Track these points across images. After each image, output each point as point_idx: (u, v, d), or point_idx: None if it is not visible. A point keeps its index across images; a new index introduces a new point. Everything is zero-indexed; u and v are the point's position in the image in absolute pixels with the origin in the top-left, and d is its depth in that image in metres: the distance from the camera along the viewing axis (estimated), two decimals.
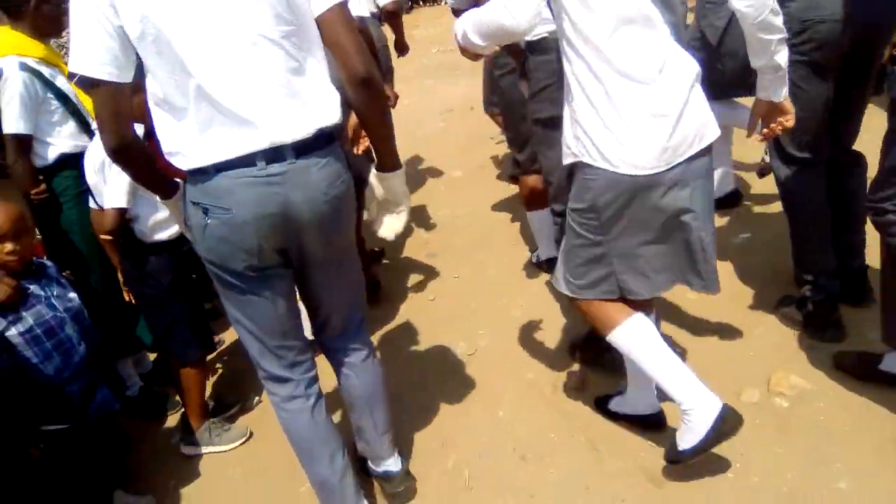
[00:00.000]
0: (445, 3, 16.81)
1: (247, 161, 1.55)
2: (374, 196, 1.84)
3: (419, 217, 4.30)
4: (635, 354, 1.96)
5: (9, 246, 2.01)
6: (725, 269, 2.95)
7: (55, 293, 2.13)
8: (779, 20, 1.71)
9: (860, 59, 2.25)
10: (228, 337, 3.29)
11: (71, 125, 2.66)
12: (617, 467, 2.11)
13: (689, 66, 1.75)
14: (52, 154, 2.64)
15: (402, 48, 4.25)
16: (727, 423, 1.85)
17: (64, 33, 2.88)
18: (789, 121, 1.92)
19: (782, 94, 1.88)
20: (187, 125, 1.55)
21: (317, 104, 1.60)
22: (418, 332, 3.08)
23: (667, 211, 1.80)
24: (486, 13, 1.71)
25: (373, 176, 1.81)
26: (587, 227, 1.87)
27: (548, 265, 3.26)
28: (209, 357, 2.81)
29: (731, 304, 2.72)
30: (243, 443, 2.62)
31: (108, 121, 1.55)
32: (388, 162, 1.76)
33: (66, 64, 2.65)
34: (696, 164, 1.78)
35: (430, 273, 3.60)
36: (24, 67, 2.53)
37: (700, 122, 1.75)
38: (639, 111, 1.70)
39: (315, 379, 1.96)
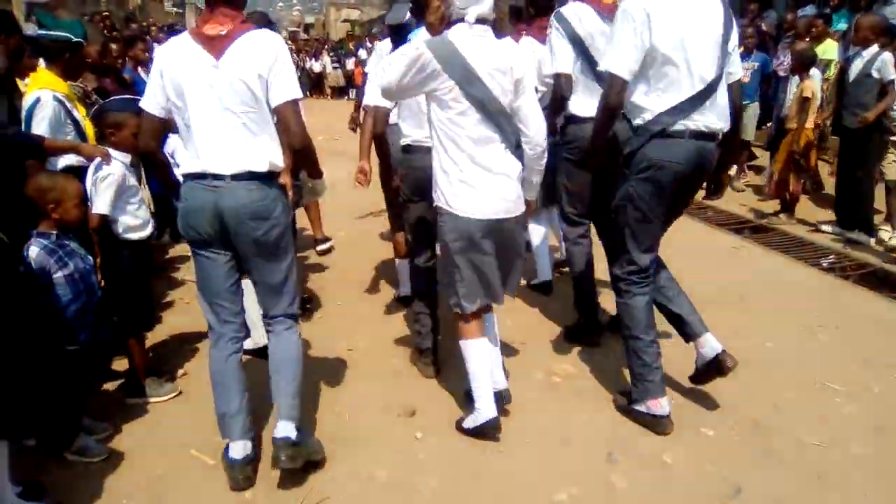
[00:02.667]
0: (328, 97, 18.22)
1: (203, 176, 2.63)
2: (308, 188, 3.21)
3: (312, 267, 5.42)
4: (473, 363, 3.01)
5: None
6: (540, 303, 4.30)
7: (82, 253, 3.05)
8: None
9: (682, 196, 3.12)
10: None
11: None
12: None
13: (515, 166, 2.89)
14: (60, 163, 3.55)
15: None
16: (489, 428, 3.00)
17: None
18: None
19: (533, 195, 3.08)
20: (187, 151, 2.69)
21: (253, 156, 2.63)
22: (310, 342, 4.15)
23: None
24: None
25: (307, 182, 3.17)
26: None
27: (404, 300, 4.50)
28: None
29: (539, 325, 4.05)
30: (173, 397, 3.49)
31: (146, 135, 2.71)
32: (317, 174, 3.02)
33: (79, 101, 3.68)
34: (507, 224, 2.90)
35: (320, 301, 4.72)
36: (55, 98, 3.49)
37: (513, 201, 2.90)
38: (492, 187, 2.84)
39: (238, 339, 2.87)
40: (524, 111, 2.87)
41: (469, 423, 3.07)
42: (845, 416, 3.22)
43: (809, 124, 6.05)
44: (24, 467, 2.75)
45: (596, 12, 3.57)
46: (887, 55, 5.45)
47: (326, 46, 25.04)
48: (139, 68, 6.22)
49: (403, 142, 3.53)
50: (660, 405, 3.06)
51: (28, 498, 2.64)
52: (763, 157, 8.10)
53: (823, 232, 6.05)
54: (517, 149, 2.91)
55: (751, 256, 5.64)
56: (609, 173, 3.17)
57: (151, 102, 2.64)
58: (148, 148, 2.74)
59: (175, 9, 48.68)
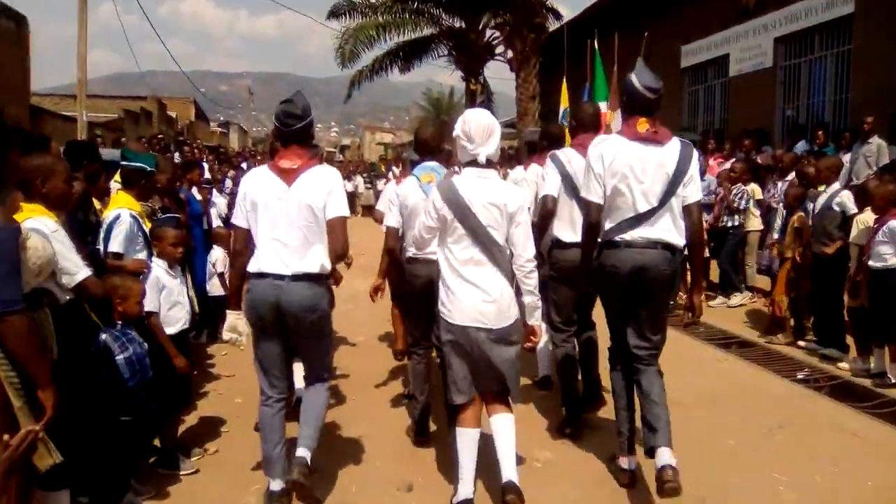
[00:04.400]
0: (359, 215, 19.19)
1: (267, 275, 3.43)
2: None
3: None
4: (459, 448, 3.50)
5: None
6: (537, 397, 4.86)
7: (140, 340, 3.72)
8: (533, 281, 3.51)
9: (636, 292, 3.62)
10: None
11: (144, 253, 4.35)
12: None
13: (501, 286, 3.42)
14: None
15: None
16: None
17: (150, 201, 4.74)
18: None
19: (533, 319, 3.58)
20: (256, 254, 3.49)
21: (309, 261, 3.44)
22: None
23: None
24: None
25: None
26: None
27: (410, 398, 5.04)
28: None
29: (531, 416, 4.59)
30: (191, 473, 4.02)
31: (238, 241, 3.66)
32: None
33: (147, 217, 4.47)
34: (496, 331, 3.43)
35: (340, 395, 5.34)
36: (131, 216, 4.29)
37: (501, 313, 3.41)
38: (471, 300, 3.40)
39: (282, 400, 3.65)
40: (515, 238, 3.46)
41: (454, 499, 3.55)
42: (783, 501, 3.69)
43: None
44: None
45: (581, 156, 4.29)
46: (846, 192, 6.17)
47: (360, 168, 26.62)
48: (193, 188, 7.15)
49: (407, 255, 4.28)
50: (626, 462, 3.81)
51: None
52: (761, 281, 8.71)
53: (801, 348, 6.55)
54: (507, 273, 3.46)
55: (731, 368, 6.16)
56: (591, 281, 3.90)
57: (239, 218, 3.57)
58: (239, 248, 3.69)
59: (220, 129, 51.92)
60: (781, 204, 7.38)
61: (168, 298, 4.08)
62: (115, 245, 4.23)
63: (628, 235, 3.56)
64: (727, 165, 9.91)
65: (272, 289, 3.39)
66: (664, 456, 3.41)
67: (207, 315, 6.97)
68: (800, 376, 5.84)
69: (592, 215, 3.66)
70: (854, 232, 5.90)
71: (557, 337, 4.65)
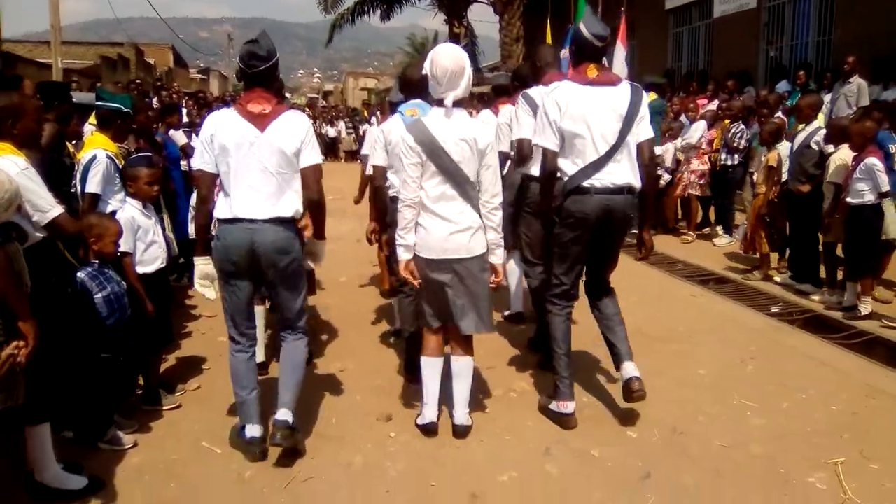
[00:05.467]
0: (342, 160, 19.16)
1: (240, 220, 3.34)
2: (310, 249, 3.69)
3: (317, 305, 6.12)
4: (424, 375, 3.73)
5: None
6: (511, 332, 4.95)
7: (118, 279, 3.74)
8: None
9: (601, 235, 3.75)
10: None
11: (122, 194, 4.33)
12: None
13: (474, 217, 3.50)
14: (107, 209, 4.28)
15: None
16: (426, 430, 3.69)
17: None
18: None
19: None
20: (226, 197, 3.39)
21: (283, 206, 3.37)
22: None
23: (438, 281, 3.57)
24: None
25: (309, 241, 3.68)
26: None
27: (396, 333, 5.16)
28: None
29: (507, 350, 4.69)
30: (173, 408, 4.08)
31: (204, 186, 3.46)
32: (319, 234, 3.64)
33: (123, 158, 4.42)
34: (465, 262, 3.53)
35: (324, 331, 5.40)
36: (107, 157, 4.25)
37: (469, 244, 3.49)
38: (441, 232, 3.48)
39: (252, 346, 3.62)
40: (483, 178, 3.51)
41: (418, 420, 3.80)
42: (753, 426, 3.81)
43: (774, 190, 6.74)
44: (64, 453, 3.36)
45: None
46: (825, 131, 6.19)
47: (343, 113, 26.33)
48: (171, 131, 7.08)
49: (391, 193, 4.27)
50: (565, 406, 3.80)
51: (70, 472, 3.26)
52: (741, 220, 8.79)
53: (777, 283, 6.67)
54: (478, 208, 3.53)
55: (706, 303, 6.28)
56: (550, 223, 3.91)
57: (206, 162, 3.40)
58: (205, 193, 3.50)
59: (200, 75, 51.02)
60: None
61: (144, 238, 4.07)
62: (93, 186, 4.20)
63: (596, 181, 3.63)
64: (712, 107, 9.93)
65: (245, 232, 3.33)
66: (629, 369, 3.77)
67: (189, 258, 6.99)
68: (774, 311, 5.95)
69: (549, 162, 3.70)
70: (830, 169, 5.94)
71: (531, 271, 4.73)
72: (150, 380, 4.17)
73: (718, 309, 6.10)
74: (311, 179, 3.43)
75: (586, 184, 3.63)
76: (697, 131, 8.80)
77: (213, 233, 3.58)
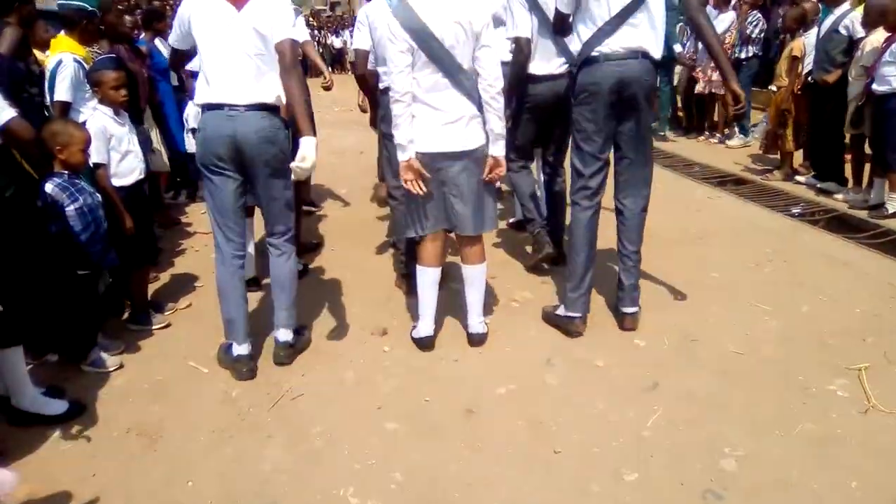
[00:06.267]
0: (348, 71, 18.51)
1: (220, 107, 3.12)
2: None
3: (317, 218, 5.90)
4: (419, 286, 3.51)
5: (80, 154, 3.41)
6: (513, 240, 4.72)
7: (91, 190, 3.51)
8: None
9: (620, 110, 3.36)
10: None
11: (94, 101, 4.06)
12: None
13: (468, 107, 3.21)
14: (79, 118, 4.01)
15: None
16: (422, 344, 3.53)
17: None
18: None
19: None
20: (205, 82, 3.16)
21: (263, 90, 3.14)
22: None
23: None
24: None
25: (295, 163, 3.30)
26: None
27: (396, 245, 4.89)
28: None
29: (509, 259, 4.47)
30: (163, 327, 3.91)
31: (174, 62, 3.64)
32: (305, 130, 3.10)
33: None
34: (465, 155, 3.25)
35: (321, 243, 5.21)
36: (75, 60, 3.95)
37: (465, 136, 3.23)
38: (434, 124, 3.20)
39: (240, 257, 3.38)
40: (482, 61, 3.20)
41: (413, 333, 3.63)
42: (766, 329, 3.60)
43: (797, 82, 6.29)
44: (47, 377, 3.26)
45: None
46: (856, 13, 5.68)
47: (349, 23, 25.42)
48: (157, 40, 6.67)
49: (382, 85, 3.94)
50: (575, 312, 3.58)
51: (50, 396, 3.13)
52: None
53: (798, 182, 6.33)
54: (474, 98, 3.23)
55: (722, 205, 5.98)
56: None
57: (177, 40, 3.30)
58: (176, 70, 3.77)
59: None
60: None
61: (118, 148, 3.81)
62: (61, 93, 3.93)
63: (606, 47, 3.26)
64: None
65: (227, 121, 3.11)
66: (628, 305, 3.63)
67: (185, 173, 6.76)
68: (795, 211, 5.65)
69: (523, 52, 3.51)
70: (863, 52, 5.47)
71: (513, 165, 4.34)
72: (136, 298, 4.00)
73: (735, 210, 5.80)
74: (285, 50, 3.10)
75: (595, 52, 3.27)
76: (724, 22, 8.13)
77: (195, 125, 3.44)
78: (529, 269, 4.52)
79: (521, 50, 4.01)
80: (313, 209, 6.18)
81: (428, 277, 3.49)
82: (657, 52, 3.32)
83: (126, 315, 4.01)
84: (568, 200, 3.87)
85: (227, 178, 3.24)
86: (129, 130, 3.89)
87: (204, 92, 3.19)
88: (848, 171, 6.01)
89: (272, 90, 3.18)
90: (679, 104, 9.38)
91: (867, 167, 5.77)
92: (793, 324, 3.65)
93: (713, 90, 8.27)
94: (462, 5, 3.14)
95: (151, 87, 5.93)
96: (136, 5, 11.90)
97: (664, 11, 3.31)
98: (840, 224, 5.33)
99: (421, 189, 3.23)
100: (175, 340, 3.80)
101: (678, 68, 8.91)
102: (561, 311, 3.65)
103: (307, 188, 5.98)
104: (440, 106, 3.20)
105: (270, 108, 3.19)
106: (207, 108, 3.18)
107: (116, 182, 3.75)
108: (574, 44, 3.42)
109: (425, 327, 3.56)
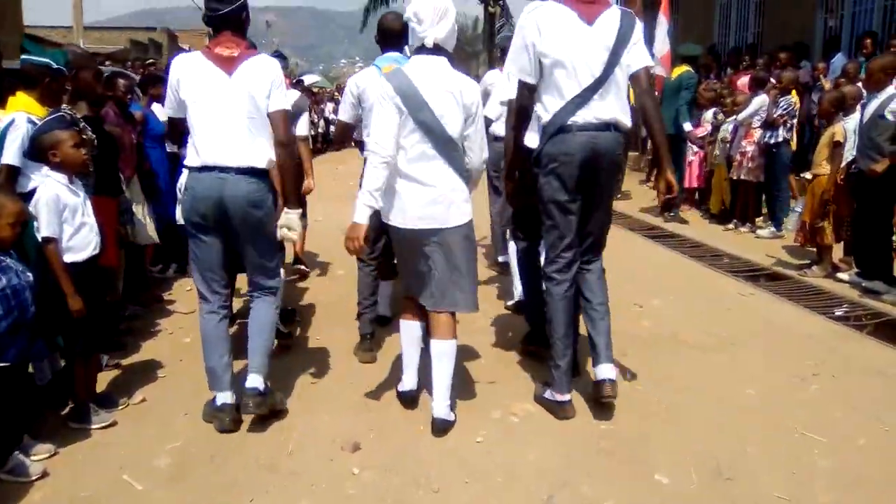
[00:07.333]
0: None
1: (210, 168, 3.16)
2: (283, 222, 3.34)
3: (304, 294, 5.38)
4: (402, 339, 3.51)
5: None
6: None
7: (20, 269, 3.03)
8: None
9: (589, 180, 3.29)
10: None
11: (46, 168, 3.64)
12: None
13: (455, 181, 3.16)
14: (29, 186, 3.59)
15: None
16: (404, 399, 3.49)
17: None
18: None
19: None
20: (196, 145, 3.21)
21: (254, 154, 3.20)
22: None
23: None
24: None
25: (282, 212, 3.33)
26: None
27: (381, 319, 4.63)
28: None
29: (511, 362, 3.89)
30: (107, 426, 3.36)
31: (174, 135, 3.79)
32: (291, 201, 3.36)
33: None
34: (445, 233, 3.16)
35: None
36: (28, 121, 3.55)
37: (449, 213, 3.15)
38: (418, 199, 3.14)
39: (225, 307, 3.42)
40: (470, 139, 3.23)
41: (398, 387, 3.59)
42: (820, 470, 2.94)
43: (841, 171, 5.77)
44: None
45: None
46: None
47: None
48: (154, 105, 6.34)
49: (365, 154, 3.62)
50: (561, 395, 3.39)
51: None
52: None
53: (841, 281, 5.72)
54: (460, 171, 3.21)
55: (755, 303, 5.33)
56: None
57: (173, 108, 3.33)
58: (175, 142, 3.69)
59: None
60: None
61: (71, 220, 3.35)
62: (9, 156, 3.52)
63: (579, 118, 3.20)
64: (745, 80, 8.94)
65: (216, 182, 3.16)
66: (605, 370, 3.35)
67: (176, 246, 6.34)
68: (838, 313, 5.02)
69: (522, 97, 3.35)
70: None
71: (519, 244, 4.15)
72: (79, 392, 3.47)
73: (770, 311, 5.16)
74: (279, 122, 3.28)
75: (569, 122, 3.21)
76: (754, 105, 7.64)
77: (183, 185, 3.53)
78: (531, 376, 3.89)
79: (522, 95, 3.43)
80: (305, 270, 6.16)
81: (408, 331, 3.50)
82: (628, 122, 3.31)
83: (67, 409, 3.49)
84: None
85: (213, 238, 3.29)
86: (83, 200, 3.45)
87: (193, 154, 3.24)
88: None
89: (263, 154, 3.24)
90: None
91: None
92: (850, 462, 2.99)
93: (742, 176, 7.77)
94: (453, 77, 3.17)
95: (141, 154, 5.57)
96: (140, 66, 11.88)
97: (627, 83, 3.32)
98: (891, 331, 4.69)
99: (360, 254, 3.21)
100: (116, 445, 3.26)
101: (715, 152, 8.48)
102: (548, 393, 3.46)
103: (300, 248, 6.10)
104: (427, 180, 3.15)
105: (259, 173, 3.24)
106: (197, 169, 3.21)
107: (69, 258, 3.30)
108: (541, 113, 3.33)
109: (408, 381, 3.53)
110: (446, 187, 3.14)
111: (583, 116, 3.19)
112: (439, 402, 3.27)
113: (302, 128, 5.26)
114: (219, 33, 3.27)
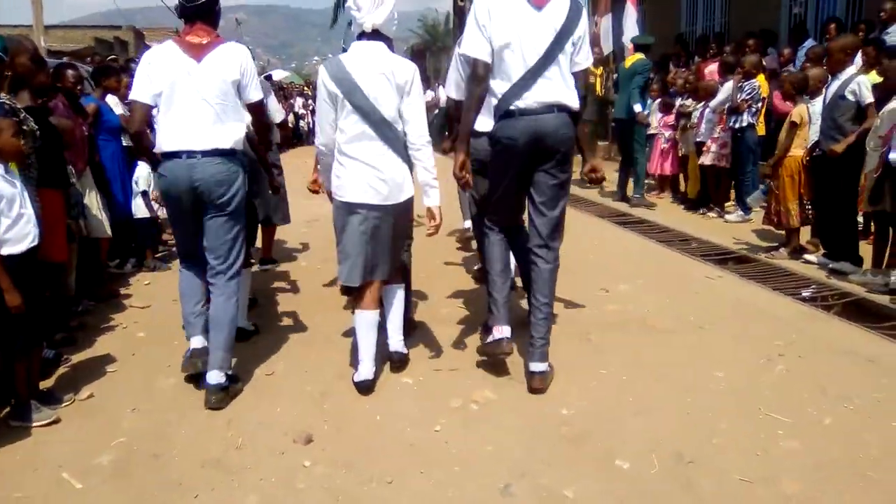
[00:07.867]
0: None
1: (178, 154, 3.29)
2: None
3: (272, 281, 5.24)
4: (357, 330, 3.55)
5: None
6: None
7: None
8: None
9: (536, 163, 3.37)
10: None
11: None
12: None
13: (393, 158, 3.32)
14: None
15: None
16: (361, 387, 3.45)
17: None
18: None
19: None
20: (164, 131, 3.34)
21: (220, 136, 3.33)
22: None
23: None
24: None
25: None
26: None
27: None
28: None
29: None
30: (48, 423, 3.21)
31: (137, 121, 3.46)
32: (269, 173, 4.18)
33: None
34: (387, 209, 3.35)
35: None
36: None
37: (389, 191, 3.32)
38: (361, 176, 3.31)
39: (203, 271, 3.53)
40: (406, 114, 3.33)
41: (354, 377, 3.54)
42: (785, 451, 2.86)
43: (799, 150, 5.74)
44: None
45: None
46: (863, 77, 5.17)
47: None
48: (110, 97, 6.15)
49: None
50: (500, 331, 3.55)
51: None
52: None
53: (808, 262, 5.69)
54: (400, 151, 3.36)
55: (723, 286, 5.28)
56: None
57: (142, 92, 3.36)
58: (140, 130, 3.52)
59: None
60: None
61: (8, 211, 3.18)
62: None
63: (521, 102, 3.27)
64: (712, 67, 8.93)
65: (186, 168, 3.30)
66: (535, 365, 3.43)
67: (133, 241, 6.17)
68: (805, 294, 4.98)
69: (479, 77, 3.33)
70: (877, 122, 4.92)
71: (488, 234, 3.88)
72: (20, 390, 3.30)
73: (738, 293, 5.11)
74: (258, 111, 3.63)
75: (512, 106, 3.29)
76: (724, 90, 7.64)
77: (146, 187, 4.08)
78: (491, 362, 3.73)
79: (477, 69, 3.34)
80: (268, 266, 6.08)
81: (364, 320, 3.53)
82: (575, 104, 3.34)
83: (8, 408, 3.33)
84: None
85: (190, 221, 3.47)
86: (21, 190, 3.28)
87: (163, 139, 3.35)
88: (863, 249, 5.38)
89: (230, 136, 3.36)
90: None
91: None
92: (817, 443, 2.92)
93: (716, 163, 7.74)
94: (388, 59, 3.29)
95: (92, 146, 5.39)
96: (99, 61, 11.49)
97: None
98: (858, 310, 4.65)
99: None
100: (58, 443, 3.11)
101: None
102: (489, 338, 3.61)
103: (269, 244, 6.11)
104: (368, 159, 3.30)
105: (226, 153, 3.36)
106: (166, 156, 3.34)
107: (5, 250, 3.12)
108: (491, 97, 3.39)
109: (364, 370, 3.51)
110: (386, 167, 3.31)
111: (526, 100, 3.26)
112: (394, 338, 3.70)
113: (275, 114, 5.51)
114: (191, 24, 3.40)
